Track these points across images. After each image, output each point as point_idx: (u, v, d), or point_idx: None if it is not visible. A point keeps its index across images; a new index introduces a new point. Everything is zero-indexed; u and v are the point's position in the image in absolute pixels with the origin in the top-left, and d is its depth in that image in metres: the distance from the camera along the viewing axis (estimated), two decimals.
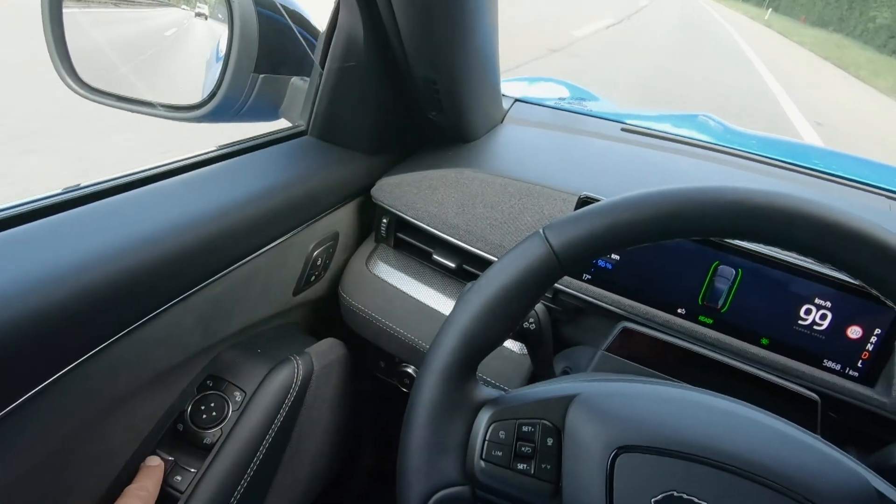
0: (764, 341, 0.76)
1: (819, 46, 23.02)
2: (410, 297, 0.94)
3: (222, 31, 0.84)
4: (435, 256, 0.94)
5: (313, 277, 0.93)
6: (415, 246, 0.97)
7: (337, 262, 1.00)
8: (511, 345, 0.87)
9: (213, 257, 0.70)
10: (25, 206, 0.58)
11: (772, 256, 0.74)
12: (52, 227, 0.57)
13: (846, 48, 24.04)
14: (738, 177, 1.02)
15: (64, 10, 0.82)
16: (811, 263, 0.73)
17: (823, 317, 0.73)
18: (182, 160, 0.76)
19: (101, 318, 0.56)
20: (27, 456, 0.54)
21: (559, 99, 1.51)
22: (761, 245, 0.73)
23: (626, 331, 0.79)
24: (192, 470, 0.72)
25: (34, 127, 3.42)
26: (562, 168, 0.95)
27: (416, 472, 0.53)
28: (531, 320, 0.70)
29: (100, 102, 0.86)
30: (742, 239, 0.51)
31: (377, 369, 1.12)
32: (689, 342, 0.78)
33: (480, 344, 0.54)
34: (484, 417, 0.54)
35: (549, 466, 0.52)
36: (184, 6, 0.97)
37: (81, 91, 0.85)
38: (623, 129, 1.17)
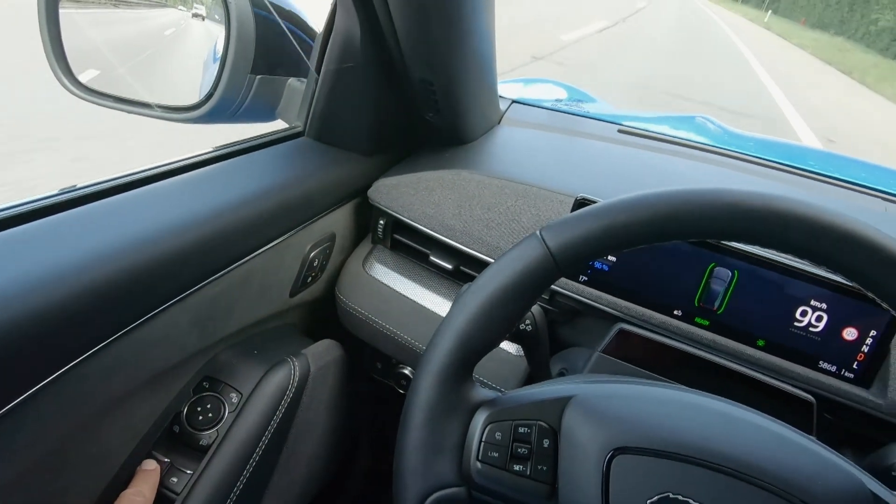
0: (760, 343, 0.76)
1: (820, 49, 22.65)
2: (407, 298, 0.94)
3: (219, 32, 0.84)
4: (432, 258, 0.94)
5: (310, 279, 0.93)
6: (411, 247, 0.97)
7: (334, 263, 1.00)
8: (508, 346, 0.87)
9: (210, 258, 0.70)
10: (22, 207, 0.58)
11: (768, 258, 0.74)
12: (48, 228, 0.57)
13: (848, 51, 23.55)
14: (735, 179, 1.02)
15: (60, 11, 0.82)
16: (807, 265, 0.73)
17: (819, 318, 0.73)
18: (179, 161, 0.76)
19: (97, 318, 0.56)
20: (24, 456, 0.54)
21: (556, 100, 1.51)
22: (757, 247, 0.73)
23: (622, 332, 0.79)
24: (189, 471, 0.72)
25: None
26: (559, 169, 0.95)
27: (413, 473, 0.53)
28: (528, 322, 0.70)
29: (96, 103, 0.86)
30: (738, 241, 0.51)
31: (374, 371, 1.11)
32: (686, 344, 0.78)
33: (477, 345, 0.54)
34: (480, 418, 0.54)
35: (545, 468, 0.52)
36: (180, 7, 0.97)
37: (78, 92, 0.85)
38: (620, 131, 1.17)
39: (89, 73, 0.87)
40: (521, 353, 0.86)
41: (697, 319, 0.79)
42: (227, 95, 0.84)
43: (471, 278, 0.83)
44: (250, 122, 0.93)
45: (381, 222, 0.98)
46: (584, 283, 0.83)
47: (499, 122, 1.16)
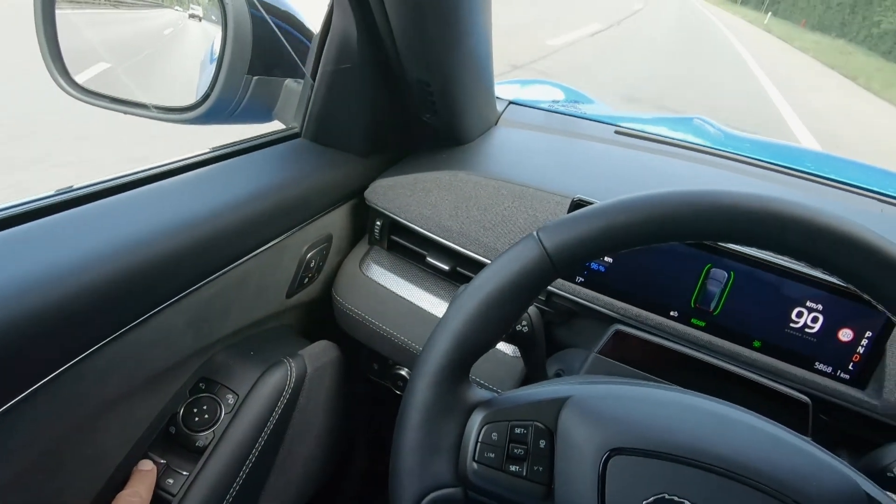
0: (756, 344, 0.76)
1: (822, 53, 22.17)
2: (404, 299, 0.94)
3: (216, 32, 0.83)
4: (428, 259, 0.94)
5: (307, 280, 0.93)
6: (408, 248, 0.97)
7: (330, 264, 1.00)
8: (504, 347, 0.87)
9: (207, 259, 0.70)
10: (18, 208, 0.58)
11: (764, 259, 0.74)
12: (45, 229, 0.57)
13: (850, 55, 23.07)
14: (732, 180, 1.02)
15: (57, 11, 0.81)
16: (803, 266, 0.73)
17: (815, 319, 0.73)
18: (176, 162, 0.76)
19: (94, 319, 0.56)
20: (21, 457, 0.54)
21: (553, 101, 1.51)
22: (753, 248, 0.73)
23: (618, 333, 0.80)
24: (185, 473, 0.72)
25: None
26: (555, 171, 0.95)
27: (409, 474, 0.53)
28: (524, 323, 0.70)
29: (93, 104, 0.86)
30: (735, 242, 0.51)
31: (370, 371, 1.11)
32: (682, 345, 0.78)
33: (473, 346, 0.54)
34: (476, 419, 0.54)
35: (541, 468, 0.52)
36: (177, 7, 0.97)
37: (74, 92, 0.84)
38: (616, 132, 1.17)
39: (100, 65, 0.88)
40: (518, 354, 0.86)
41: (694, 320, 0.79)
42: (224, 96, 0.84)
43: (467, 279, 0.83)
44: (247, 123, 0.93)
45: (378, 223, 0.98)
46: (581, 284, 0.83)
47: (496, 124, 1.16)
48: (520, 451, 0.52)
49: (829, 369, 0.74)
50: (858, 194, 1.04)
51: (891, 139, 9.44)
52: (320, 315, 1.03)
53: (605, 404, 0.53)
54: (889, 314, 0.48)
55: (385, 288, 0.96)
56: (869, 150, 7.67)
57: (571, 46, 10.19)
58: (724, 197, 0.49)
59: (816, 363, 0.74)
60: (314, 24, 0.91)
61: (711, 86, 9.52)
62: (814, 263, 0.48)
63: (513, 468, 0.52)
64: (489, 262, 0.56)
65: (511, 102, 1.26)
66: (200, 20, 0.91)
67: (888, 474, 0.62)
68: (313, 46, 0.89)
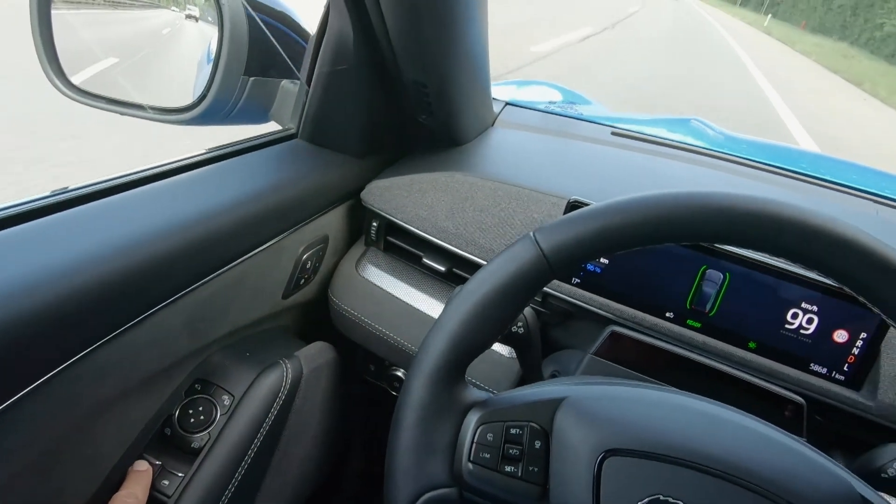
0: (751, 345, 0.76)
1: (824, 56, 21.24)
2: (400, 300, 0.94)
3: (213, 33, 0.84)
4: (425, 260, 0.94)
5: (303, 281, 0.93)
6: (405, 249, 0.97)
7: (327, 265, 1.00)
8: (500, 348, 0.87)
9: (202, 260, 0.69)
10: (13, 209, 0.58)
11: (759, 261, 0.75)
12: (40, 231, 0.57)
13: (853, 58, 22.50)
14: (729, 182, 1.02)
15: (52, 12, 0.81)
16: (798, 268, 0.73)
17: (810, 321, 0.74)
18: (172, 163, 0.75)
19: (89, 320, 0.56)
20: (16, 458, 0.54)
21: (550, 102, 1.51)
22: (749, 250, 0.74)
23: (614, 334, 0.80)
24: (180, 474, 0.72)
25: None
26: (552, 172, 0.96)
27: (404, 474, 0.53)
28: (520, 324, 0.70)
29: (89, 105, 0.86)
30: (731, 244, 0.51)
31: (367, 372, 1.11)
32: (677, 346, 0.79)
33: (469, 346, 0.54)
34: (472, 419, 0.54)
35: (536, 469, 0.52)
36: (173, 8, 0.97)
37: (70, 93, 0.85)
38: (613, 133, 1.17)
39: (110, 59, 0.89)
40: (514, 355, 0.86)
41: (689, 322, 0.79)
42: (221, 97, 0.84)
43: (464, 280, 0.83)
44: (243, 124, 0.93)
45: (375, 224, 0.98)
46: (577, 285, 0.83)
47: (492, 124, 1.16)
48: (515, 451, 0.52)
49: (824, 370, 0.74)
50: (854, 196, 1.04)
51: None
52: (316, 316, 1.03)
53: (600, 405, 0.53)
54: (883, 316, 0.48)
55: (381, 289, 0.96)
56: (874, 156, 7.46)
57: (558, 53, 9.34)
58: (719, 199, 0.49)
59: (811, 364, 0.75)
60: (311, 25, 0.91)
61: (711, 89, 9.25)
62: (809, 265, 0.48)
63: (508, 469, 0.52)
64: (486, 263, 0.56)
65: (508, 103, 1.26)
66: (197, 21, 0.91)
67: (882, 475, 0.62)
68: (309, 47, 0.89)
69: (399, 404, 0.55)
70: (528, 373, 0.77)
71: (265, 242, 0.80)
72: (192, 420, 0.75)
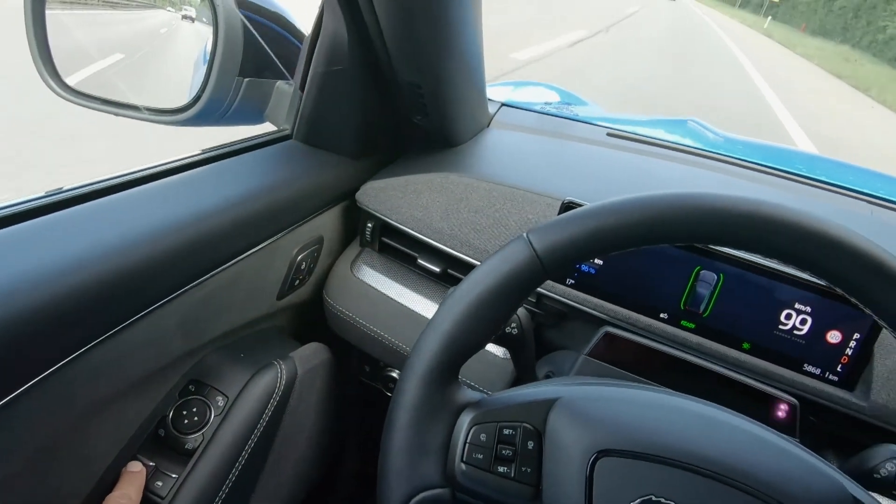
0: (745, 346, 0.77)
1: (827, 60, 20.51)
2: (395, 301, 0.94)
3: (209, 34, 0.84)
4: (420, 261, 0.94)
5: (297, 282, 0.93)
6: (399, 250, 0.97)
7: (322, 266, 0.99)
8: (495, 349, 0.87)
9: (197, 261, 0.69)
10: (7, 210, 0.58)
11: (753, 262, 0.75)
12: (34, 231, 0.57)
13: (857, 62, 21.89)
14: (724, 182, 1.02)
15: (47, 12, 0.81)
16: (792, 269, 0.73)
17: (804, 321, 0.74)
18: (166, 164, 0.75)
19: (83, 321, 0.56)
20: (10, 458, 0.54)
21: (545, 104, 1.51)
22: (743, 251, 0.74)
23: (608, 335, 0.80)
24: (174, 476, 0.72)
25: None
26: (547, 173, 0.96)
27: (397, 474, 0.53)
28: (513, 325, 0.70)
29: (83, 105, 0.85)
30: (724, 245, 0.51)
31: (362, 373, 1.11)
32: (671, 347, 0.79)
33: (462, 347, 0.54)
34: (465, 420, 0.54)
35: (529, 469, 0.52)
36: (169, 8, 0.97)
37: (64, 94, 0.84)
38: (609, 134, 1.17)
39: (115, 55, 0.90)
40: (508, 356, 0.86)
41: (683, 322, 0.79)
42: (216, 98, 0.84)
43: (458, 281, 0.83)
44: (238, 125, 0.93)
45: (370, 225, 0.98)
46: (571, 286, 0.83)
47: (488, 125, 1.16)
48: (508, 452, 0.52)
49: (818, 371, 0.74)
50: (849, 196, 1.04)
51: None
52: (311, 317, 1.03)
53: (593, 406, 0.53)
54: (875, 317, 0.48)
55: (376, 290, 0.96)
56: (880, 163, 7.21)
57: (545, 60, 8.53)
58: (712, 200, 0.49)
59: (805, 365, 0.75)
60: (305, 25, 0.91)
61: (711, 90, 9.00)
62: (802, 267, 0.48)
63: (501, 469, 0.52)
64: (480, 264, 0.56)
65: (503, 104, 1.26)
66: (193, 21, 0.91)
67: (875, 475, 0.62)
68: (304, 48, 0.89)
69: (392, 405, 0.55)
70: (522, 373, 0.77)
71: (260, 243, 0.80)
72: (186, 421, 0.75)
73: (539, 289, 0.84)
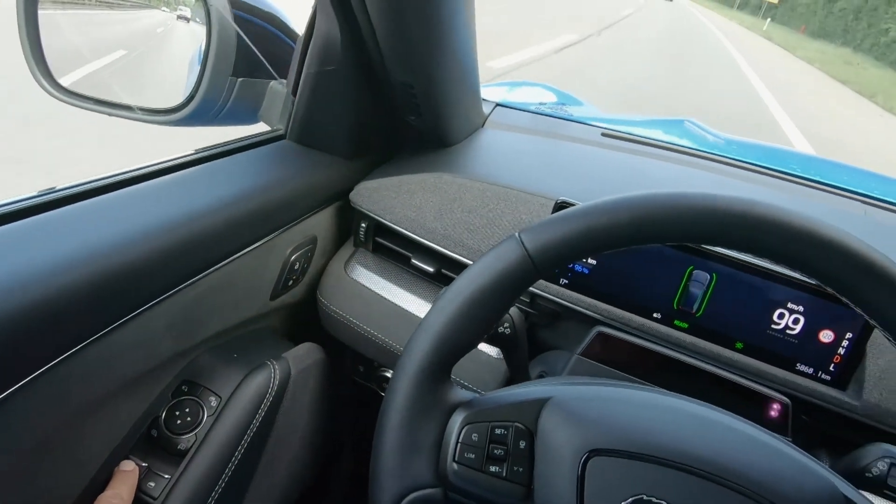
0: (738, 345, 0.77)
1: (828, 64, 19.85)
2: (389, 301, 0.94)
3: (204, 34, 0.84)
4: (413, 261, 0.94)
5: (291, 282, 0.93)
6: (393, 250, 0.97)
7: (315, 266, 0.99)
8: (488, 349, 0.87)
9: (190, 261, 0.69)
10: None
11: (746, 261, 0.75)
12: (26, 230, 0.57)
13: (859, 66, 21.47)
14: (719, 182, 1.02)
15: (39, 12, 0.81)
16: (784, 269, 0.73)
17: (796, 321, 0.74)
18: (159, 163, 0.75)
19: (76, 320, 0.56)
20: (0, 458, 0.53)
21: (540, 104, 1.51)
22: (735, 251, 0.74)
23: (601, 335, 0.80)
24: (166, 476, 0.72)
25: None
26: (541, 173, 0.96)
27: (389, 474, 0.53)
28: (506, 325, 0.70)
29: (76, 105, 0.85)
30: (716, 245, 0.51)
31: (355, 374, 1.11)
32: (664, 346, 0.79)
33: (454, 347, 0.54)
34: (457, 420, 0.54)
35: (521, 469, 0.52)
36: (164, 8, 0.97)
37: (57, 94, 0.84)
38: (603, 134, 1.17)
39: (118, 52, 0.90)
40: (502, 356, 0.86)
41: (676, 322, 0.79)
42: (209, 98, 0.84)
43: (452, 281, 0.83)
44: (232, 125, 0.93)
45: (363, 225, 0.98)
46: (565, 286, 0.83)
47: (482, 126, 1.16)
48: (500, 451, 0.52)
49: (811, 370, 0.74)
50: (843, 196, 1.05)
51: None
52: (305, 317, 1.03)
53: (585, 405, 0.53)
54: (866, 317, 0.48)
55: (370, 290, 0.96)
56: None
57: (527, 67, 7.94)
58: (704, 200, 0.49)
59: (798, 364, 0.75)
60: (299, 25, 0.91)
61: (711, 101, 8.51)
62: (793, 267, 0.49)
63: (493, 469, 0.52)
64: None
65: (498, 104, 1.26)
66: (188, 21, 0.91)
67: (867, 474, 0.62)
68: (298, 48, 0.89)
69: (384, 404, 0.55)
70: (515, 373, 0.77)
71: (253, 243, 0.79)
72: (179, 421, 0.75)
73: (532, 289, 0.84)
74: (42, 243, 0.56)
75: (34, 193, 0.62)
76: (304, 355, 0.90)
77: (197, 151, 0.82)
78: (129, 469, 0.70)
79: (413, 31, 0.80)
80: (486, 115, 1.19)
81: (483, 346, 0.86)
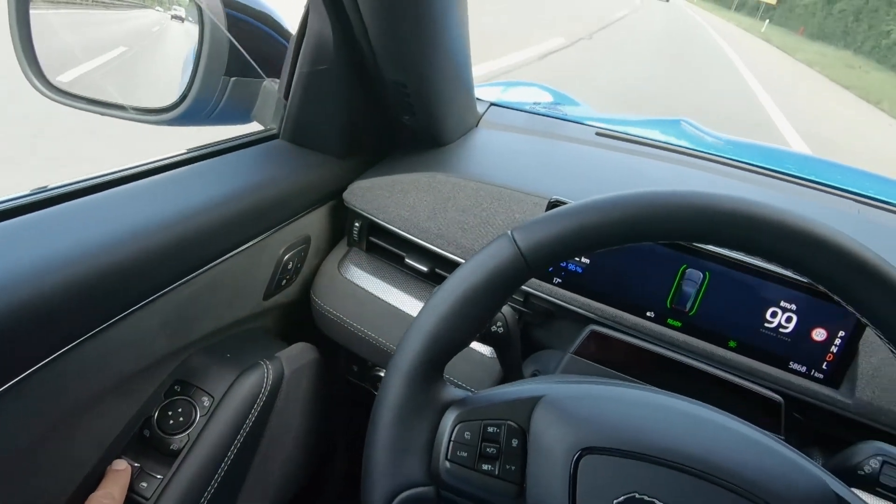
0: (731, 344, 0.77)
1: (829, 67, 19.36)
2: (382, 300, 0.94)
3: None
4: (407, 260, 0.94)
5: (284, 281, 0.92)
6: (387, 250, 0.97)
7: (309, 266, 0.99)
8: (481, 348, 0.87)
9: (183, 260, 0.69)
10: None
11: (739, 260, 0.75)
12: (18, 229, 0.57)
13: (861, 69, 21.06)
14: (713, 181, 1.02)
15: (31, 11, 0.81)
16: (777, 267, 0.73)
17: (789, 319, 0.74)
18: (152, 162, 0.75)
19: (67, 319, 0.56)
20: None
21: (535, 103, 1.51)
22: (727, 249, 0.74)
23: (594, 334, 0.80)
24: (159, 476, 0.72)
25: None
26: (535, 172, 0.96)
27: (381, 473, 0.53)
28: (499, 323, 0.70)
29: (69, 105, 0.85)
30: (708, 243, 0.51)
31: (349, 373, 1.11)
32: (657, 345, 0.79)
33: (447, 345, 0.54)
34: (450, 418, 0.53)
35: (513, 467, 0.52)
36: (158, 8, 0.97)
37: (49, 93, 0.84)
38: (598, 134, 1.17)
39: (119, 49, 0.90)
40: (495, 355, 0.86)
41: (670, 321, 0.79)
42: (202, 97, 0.84)
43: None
44: (225, 125, 0.93)
45: (357, 225, 0.97)
46: (558, 284, 0.83)
47: (476, 125, 1.16)
48: (492, 450, 0.52)
49: (804, 369, 0.74)
50: (837, 195, 1.05)
51: None
52: (298, 317, 1.03)
53: (577, 404, 0.53)
54: (858, 315, 0.48)
55: (364, 289, 0.96)
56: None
57: (506, 76, 6.88)
58: (696, 198, 0.49)
59: (791, 363, 0.75)
60: (292, 24, 0.90)
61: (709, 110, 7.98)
62: (785, 265, 0.49)
63: (485, 467, 0.52)
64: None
65: (492, 104, 1.26)
66: (183, 21, 0.91)
67: (859, 472, 0.62)
68: (290, 47, 0.89)
69: (376, 403, 0.55)
70: (509, 372, 0.77)
71: (246, 242, 0.79)
72: (172, 421, 0.74)
73: (526, 287, 0.84)
74: (34, 241, 0.56)
75: (27, 192, 0.61)
76: (297, 355, 0.89)
77: (190, 151, 0.81)
78: (121, 468, 0.69)
79: (405, 29, 0.80)
80: (481, 115, 1.19)
81: (476, 345, 0.86)
